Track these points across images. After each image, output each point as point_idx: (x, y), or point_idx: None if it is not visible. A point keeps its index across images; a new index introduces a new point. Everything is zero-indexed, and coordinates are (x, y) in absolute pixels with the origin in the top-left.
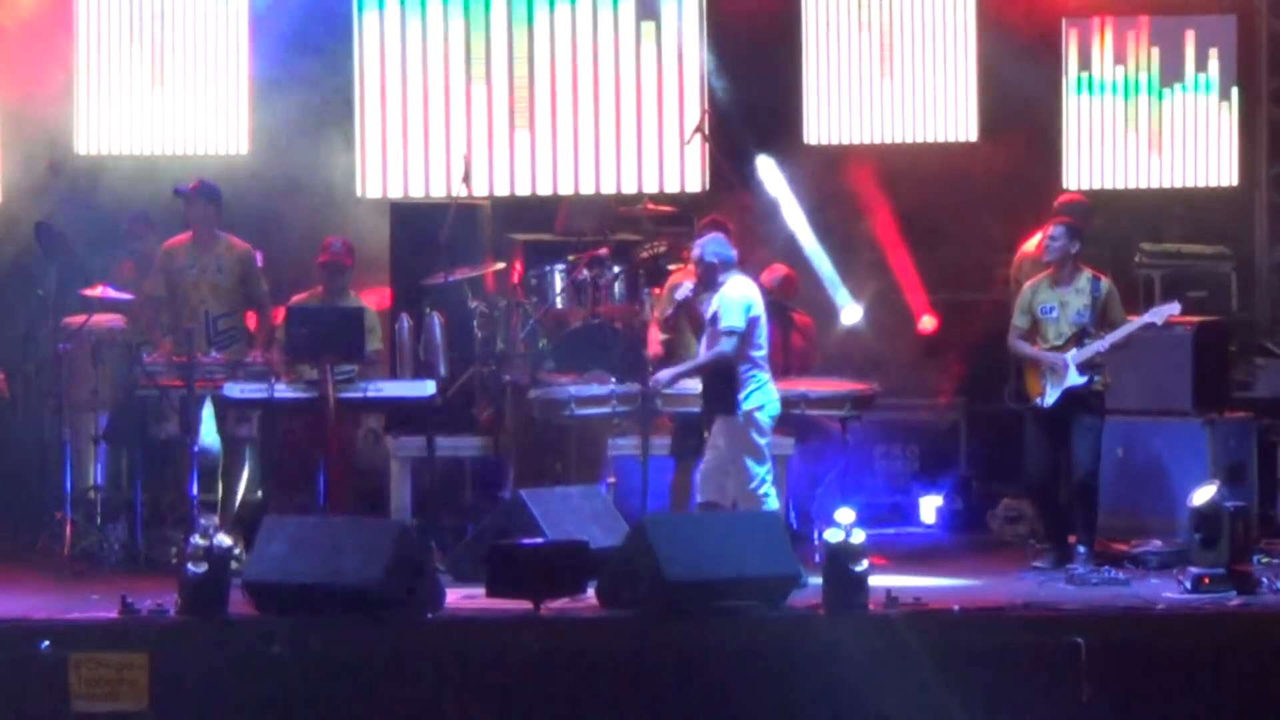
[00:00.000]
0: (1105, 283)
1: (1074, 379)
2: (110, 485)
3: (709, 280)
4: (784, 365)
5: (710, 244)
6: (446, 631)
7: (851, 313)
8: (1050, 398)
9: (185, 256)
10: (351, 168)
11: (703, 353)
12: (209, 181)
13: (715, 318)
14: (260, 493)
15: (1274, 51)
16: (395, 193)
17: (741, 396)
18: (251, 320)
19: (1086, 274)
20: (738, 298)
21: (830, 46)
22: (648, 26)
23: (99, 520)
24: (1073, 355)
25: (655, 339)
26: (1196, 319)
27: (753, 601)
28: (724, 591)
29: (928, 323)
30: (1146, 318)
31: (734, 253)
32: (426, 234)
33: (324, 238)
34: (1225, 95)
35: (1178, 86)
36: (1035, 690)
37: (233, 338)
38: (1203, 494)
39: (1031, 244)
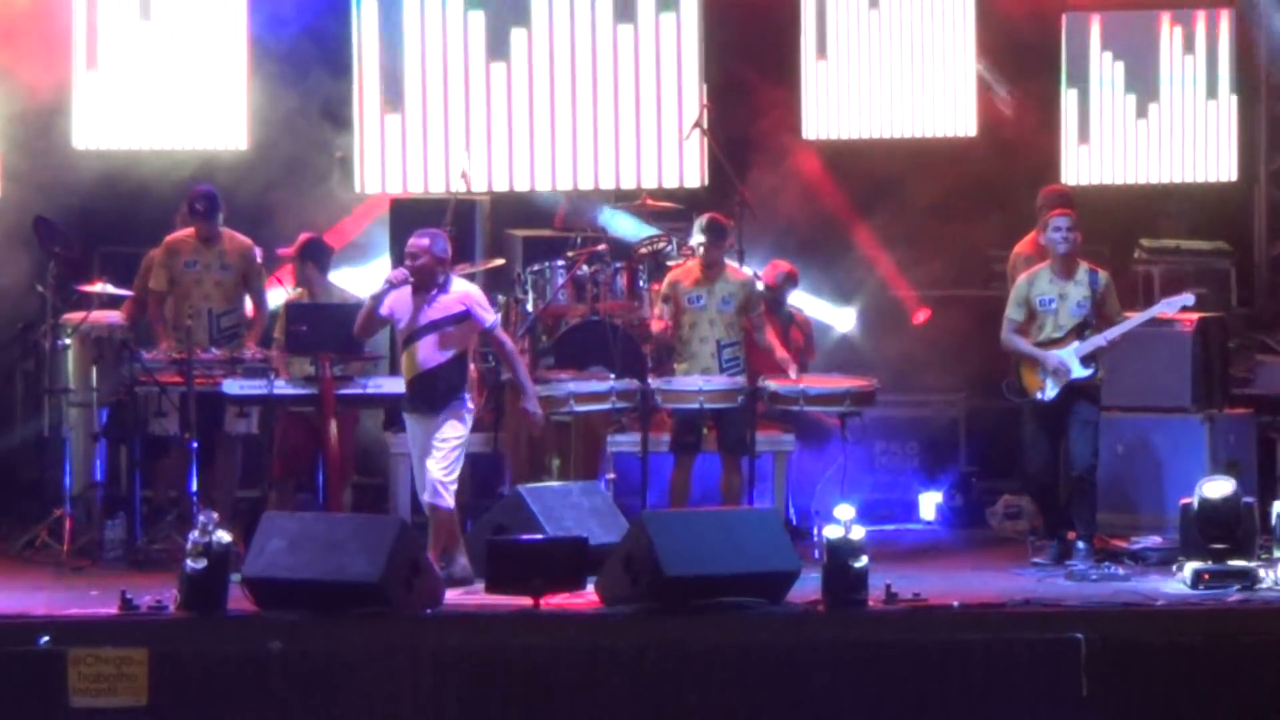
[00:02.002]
0: (1103, 275)
1: (1079, 372)
2: (109, 481)
3: (430, 279)
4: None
5: (440, 241)
6: (445, 628)
7: (845, 318)
8: (1051, 392)
9: (188, 253)
10: (350, 163)
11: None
12: (209, 190)
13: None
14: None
15: (1272, 46)
16: (394, 189)
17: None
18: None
19: (1084, 266)
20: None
21: (830, 42)
22: (646, 22)
23: (98, 516)
24: (1076, 348)
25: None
26: (1196, 315)
27: (752, 597)
28: (723, 587)
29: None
30: (1158, 308)
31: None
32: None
33: (320, 239)
34: (1224, 91)
35: (1176, 82)
36: (1035, 686)
37: (235, 334)
38: (1216, 487)
39: (1028, 240)
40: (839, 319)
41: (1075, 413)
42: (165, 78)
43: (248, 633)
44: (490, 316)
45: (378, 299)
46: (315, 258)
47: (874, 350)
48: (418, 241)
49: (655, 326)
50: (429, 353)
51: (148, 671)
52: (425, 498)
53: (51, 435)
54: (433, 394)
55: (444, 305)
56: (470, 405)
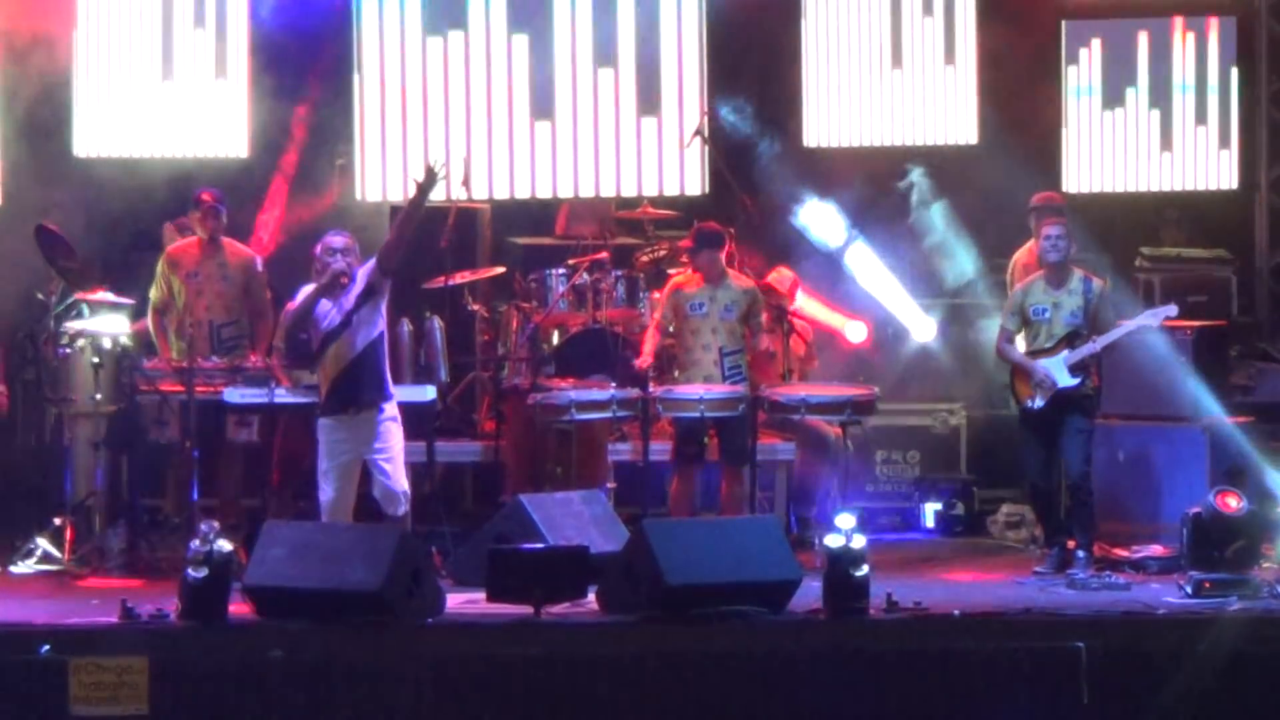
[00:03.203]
0: (1098, 284)
1: (1065, 381)
2: (110, 490)
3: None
4: (784, 370)
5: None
6: (446, 636)
7: (924, 329)
8: (1040, 402)
9: (189, 264)
10: (351, 170)
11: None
12: (215, 190)
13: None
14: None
15: (1273, 53)
16: (395, 196)
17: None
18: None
19: (1079, 275)
20: None
21: (830, 49)
22: (648, 29)
23: (99, 525)
24: (1064, 357)
25: (647, 349)
26: (1196, 323)
27: (753, 606)
28: (724, 596)
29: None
30: (1142, 319)
31: None
32: (426, 238)
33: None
34: (1225, 98)
35: (1177, 89)
36: (1036, 695)
37: (236, 344)
38: (1226, 502)
39: (1027, 248)
40: (920, 329)
41: (1067, 422)
42: (167, 86)
43: (249, 641)
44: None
45: (313, 297)
46: None
47: (877, 359)
48: (340, 239)
49: (641, 363)
50: (354, 339)
51: (149, 680)
52: (401, 509)
53: (52, 443)
54: (359, 387)
55: (352, 292)
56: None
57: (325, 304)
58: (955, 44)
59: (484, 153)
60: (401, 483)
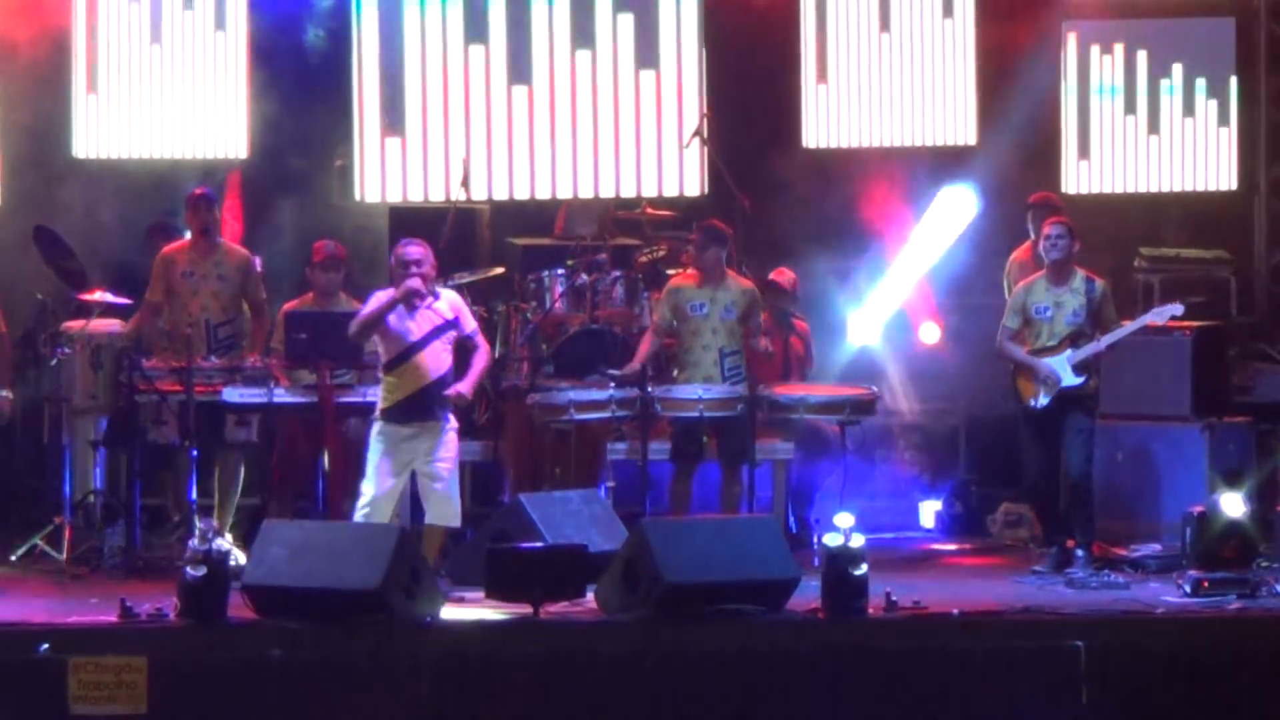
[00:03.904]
0: (1100, 284)
1: (1070, 380)
2: (109, 489)
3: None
4: (784, 370)
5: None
6: (445, 636)
7: (930, 332)
8: (1044, 400)
9: (185, 263)
10: (350, 172)
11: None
12: (206, 189)
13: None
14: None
15: (1273, 54)
16: (394, 197)
17: None
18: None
19: (1081, 274)
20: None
21: (829, 49)
22: (647, 30)
23: (98, 524)
24: (1069, 356)
25: (643, 352)
26: (1196, 324)
27: (752, 605)
28: (723, 595)
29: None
30: (1148, 317)
31: None
32: (425, 238)
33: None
34: (1224, 98)
35: (1177, 90)
36: (1035, 694)
37: (233, 344)
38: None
39: (1025, 248)
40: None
41: (1069, 421)
42: (166, 86)
43: (248, 641)
44: (472, 324)
45: (388, 307)
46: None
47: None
48: (417, 250)
49: (653, 345)
50: (435, 362)
51: (147, 679)
52: (457, 521)
53: (51, 443)
54: (434, 403)
55: (438, 313)
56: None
57: (408, 311)
58: (955, 43)
59: (483, 153)
60: (457, 491)
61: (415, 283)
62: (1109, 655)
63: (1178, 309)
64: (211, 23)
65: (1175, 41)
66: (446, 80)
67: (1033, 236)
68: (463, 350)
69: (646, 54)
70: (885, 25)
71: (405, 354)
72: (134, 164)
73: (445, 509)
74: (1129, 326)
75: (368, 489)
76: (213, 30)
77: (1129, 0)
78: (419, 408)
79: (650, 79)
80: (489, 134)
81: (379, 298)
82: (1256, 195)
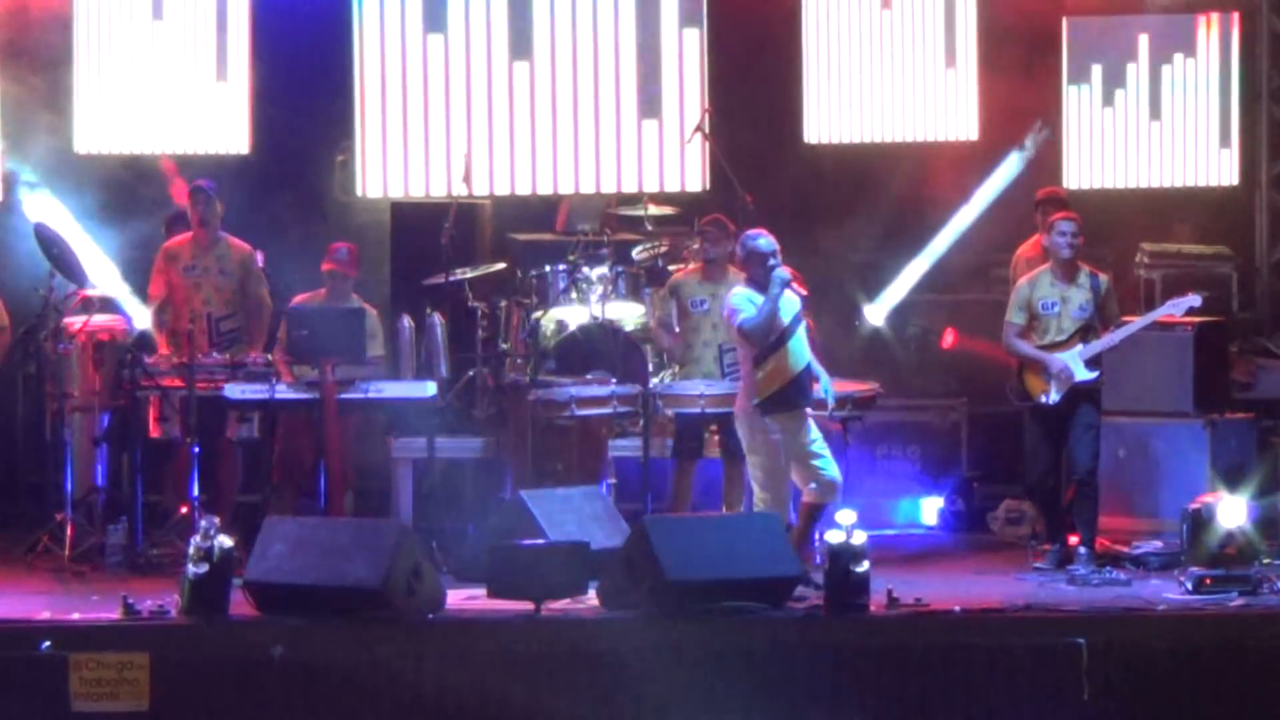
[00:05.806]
0: (1103, 279)
1: (1082, 375)
2: (111, 486)
3: None
4: None
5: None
6: (447, 632)
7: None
8: (1055, 396)
9: (187, 258)
10: (352, 167)
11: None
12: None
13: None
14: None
15: (1275, 49)
16: (396, 192)
17: None
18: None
19: (1085, 269)
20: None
21: (831, 45)
22: (649, 25)
23: (100, 521)
24: (1080, 351)
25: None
26: (1197, 320)
27: (754, 602)
28: (725, 592)
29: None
30: (1164, 309)
31: None
32: (427, 234)
33: (330, 242)
34: (1226, 94)
35: (1178, 85)
36: (1037, 691)
37: (235, 339)
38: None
39: (1030, 243)
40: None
41: (1078, 416)
42: (167, 81)
43: (249, 637)
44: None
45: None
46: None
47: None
48: (773, 241)
49: (665, 341)
50: (800, 349)
51: (149, 676)
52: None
53: (53, 440)
54: (808, 389)
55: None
56: None
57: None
58: (955, 43)
59: (485, 149)
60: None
61: (786, 271)
62: (1111, 652)
63: (1196, 301)
64: (214, 18)
65: (1176, 36)
66: (448, 75)
67: (1041, 231)
68: None
69: (649, 50)
70: (887, 20)
71: (781, 340)
72: (135, 159)
73: (829, 492)
74: (1145, 318)
75: (762, 492)
76: (215, 25)
77: None
78: (800, 391)
79: (653, 75)
80: (490, 129)
81: (749, 291)
82: (1258, 191)
